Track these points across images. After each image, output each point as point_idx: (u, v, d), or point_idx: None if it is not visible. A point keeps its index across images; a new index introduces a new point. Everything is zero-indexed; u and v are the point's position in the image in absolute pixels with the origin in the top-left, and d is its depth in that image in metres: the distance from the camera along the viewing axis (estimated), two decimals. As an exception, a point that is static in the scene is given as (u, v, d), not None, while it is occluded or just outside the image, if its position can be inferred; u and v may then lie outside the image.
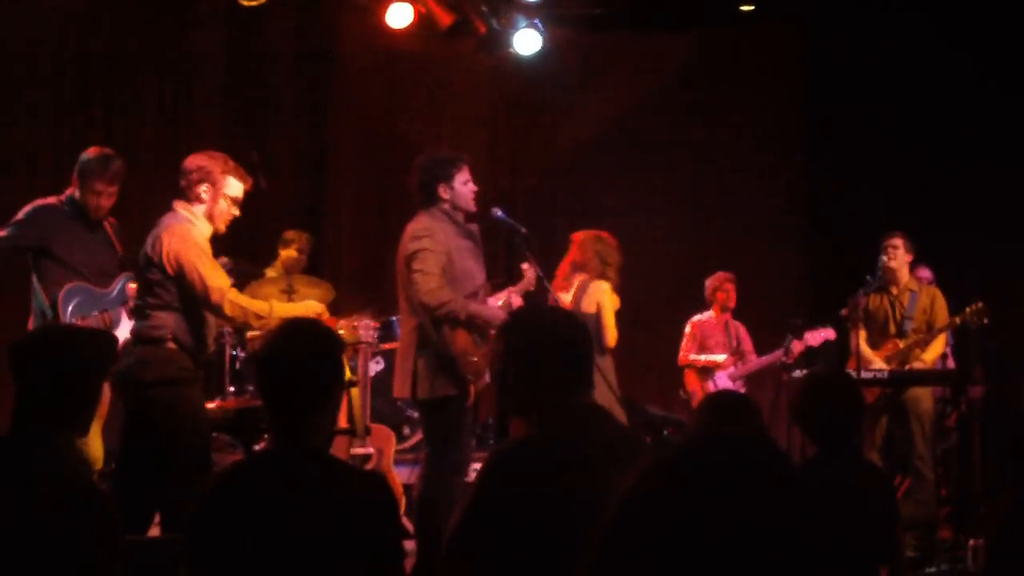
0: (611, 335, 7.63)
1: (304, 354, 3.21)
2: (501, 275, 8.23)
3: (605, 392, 7.48)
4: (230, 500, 3.12)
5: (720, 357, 9.35)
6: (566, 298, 7.72)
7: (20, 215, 6.58)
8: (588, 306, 7.60)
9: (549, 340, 3.45)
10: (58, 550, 3.06)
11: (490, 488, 3.29)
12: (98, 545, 3.13)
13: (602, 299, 7.65)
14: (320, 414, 3.22)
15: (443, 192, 6.39)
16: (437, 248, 6.22)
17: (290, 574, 3.01)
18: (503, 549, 3.20)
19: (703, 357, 9.39)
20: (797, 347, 8.68)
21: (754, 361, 9.31)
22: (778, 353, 8.88)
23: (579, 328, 3.55)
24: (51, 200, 6.62)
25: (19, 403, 3.27)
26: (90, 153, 6.68)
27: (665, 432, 8.71)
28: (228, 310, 5.69)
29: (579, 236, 8.00)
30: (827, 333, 8.71)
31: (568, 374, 3.42)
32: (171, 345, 5.65)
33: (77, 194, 6.64)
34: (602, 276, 7.77)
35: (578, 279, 7.79)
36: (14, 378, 3.30)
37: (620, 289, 7.94)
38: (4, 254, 6.59)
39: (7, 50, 9.06)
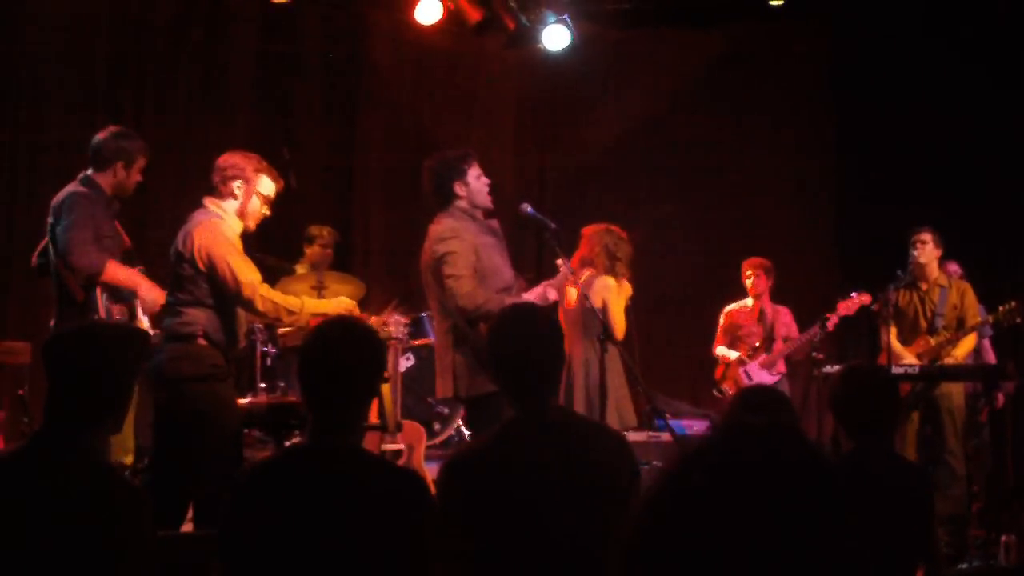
0: (619, 329, 7.58)
1: (346, 352, 3.25)
2: (530, 270, 8.23)
3: (618, 384, 7.48)
4: (263, 494, 3.13)
5: (733, 355, 9.26)
6: (573, 294, 7.72)
7: (79, 209, 6.23)
8: (595, 301, 7.58)
9: (506, 345, 3.53)
10: (92, 546, 3.07)
11: (446, 492, 3.39)
12: (132, 541, 3.14)
13: (606, 295, 7.59)
14: (359, 411, 3.26)
15: (459, 189, 6.32)
16: (464, 248, 6.16)
17: (324, 569, 3.02)
18: (466, 549, 3.26)
19: (732, 354, 9.28)
20: (831, 321, 8.61)
21: (783, 346, 9.17)
22: (807, 335, 8.83)
23: (541, 332, 3.56)
24: (82, 188, 6.37)
25: (52, 400, 3.27)
26: (117, 132, 6.54)
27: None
28: (260, 305, 5.71)
29: (588, 230, 7.94)
30: (862, 299, 8.59)
31: (523, 378, 3.46)
32: (202, 342, 5.68)
33: (106, 180, 6.42)
34: (609, 271, 7.70)
35: (585, 274, 7.76)
36: (47, 375, 3.32)
37: (649, 281, 7.89)
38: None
39: (40, 48, 9.12)
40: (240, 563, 3.09)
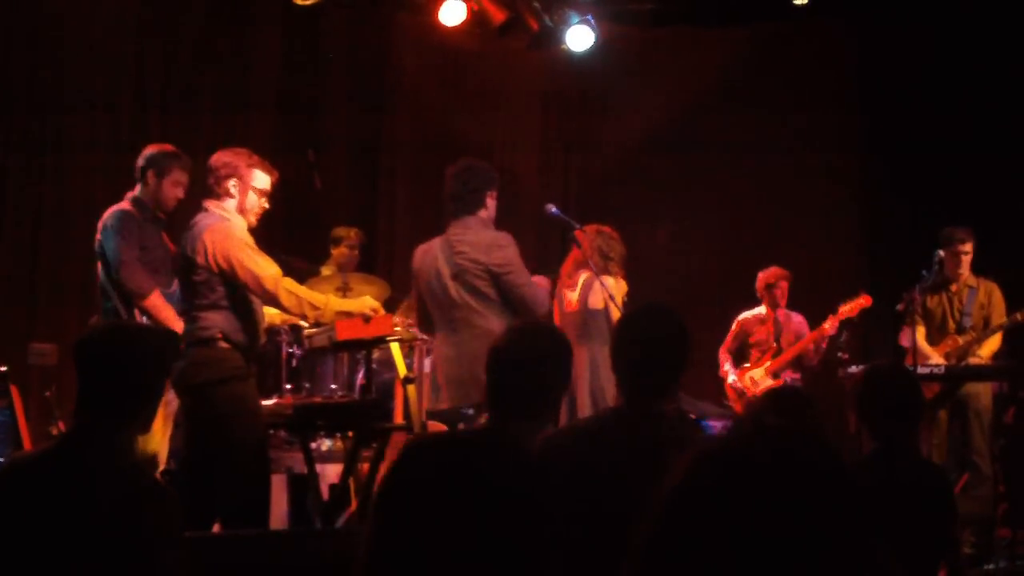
0: None
1: (538, 353, 3.40)
2: (555, 271, 8.23)
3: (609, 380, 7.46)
4: (426, 464, 3.17)
5: (731, 377, 9.28)
6: (572, 296, 7.69)
7: (122, 230, 6.48)
8: (595, 303, 7.55)
9: (619, 339, 3.54)
10: (120, 546, 3.08)
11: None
12: (160, 541, 3.16)
13: (608, 295, 7.56)
14: (542, 409, 3.40)
15: (490, 200, 6.32)
16: (519, 256, 6.21)
17: (466, 550, 3.05)
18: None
19: (731, 378, 9.31)
20: (830, 324, 8.65)
21: (788, 351, 9.16)
22: (809, 337, 8.86)
23: (651, 331, 3.55)
24: (125, 206, 6.62)
25: (82, 399, 3.29)
26: (157, 148, 6.72)
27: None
28: (284, 299, 5.71)
29: (579, 233, 7.87)
30: (862, 301, 8.63)
31: (629, 374, 3.47)
32: (223, 344, 5.70)
33: (145, 193, 6.62)
34: (604, 271, 7.66)
35: (582, 276, 7.74)
36: (77, 374, 3.33)
37: (674, 282, 7.84)
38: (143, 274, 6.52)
39: (65, 51, 9.17)
40: (389, 534, 3.11)
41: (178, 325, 6.19)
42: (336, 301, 6.00)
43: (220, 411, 5.61)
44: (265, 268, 5.70)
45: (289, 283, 5.77)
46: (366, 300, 6.10)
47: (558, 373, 3.41)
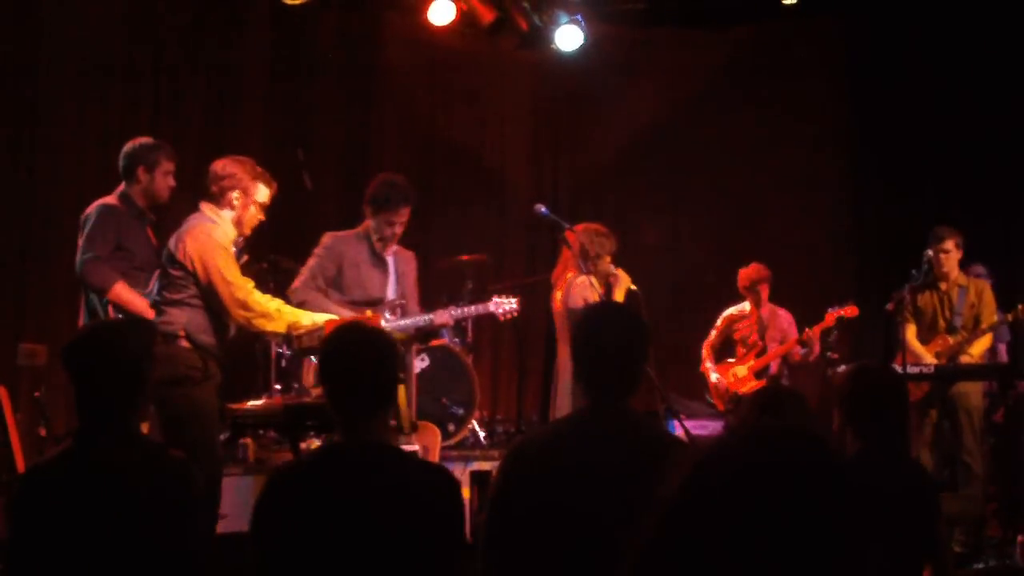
0: None
1: (360, 355, 3.36)
2: (546, 270, 8.22)
3: None
4: (297, 491, 3.23)
5: (714, 376, 9.29)
6: (559, 296, 7.69)
7: (98, 223, 6.47)
8: (574, 303, 7.55)
9: (582, 340, 3.53)
10: (162, 523, 3.29)
11: (506, 469, 3.44)
12: (192, 509, 3.39)
13: (587, 294, 7.53)
14: (380, 408, 3.36)
15: (371, 218, 6.91)
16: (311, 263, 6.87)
17: (361, 559, 3.10)
18: (519, 541, 3.27)
19: (714, 376, 9.30)
20: (814, 332, 8.68)
21: (771, 352, 9.17)
22: (793, 340, 8.88)
23: (619, 332, 3.53)
24: (112, 201, 6.60)
25: (85, 397, 3.44)
26: (139, 143, 6.69)
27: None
28: (256, 305, 5.81)
29: (570, 232, 7.83)
30: (847, 311, 8.67)
31: (594, 375, 3.45)
32: (184, 343, 5.72)
33: (136, 190, 6.60)
34: (585, 271, 7.63)
35: (568, 275, 7.75)
36: (74, 376, 3.47)
37: (666, 282, 7.76)
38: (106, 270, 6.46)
39: (56, 53, 9.14)
40: (277, 558, 3.14)
41: (149, 314, 6.17)
42: (288, 310, 6.02)
43: (167, 413, 5.59)
44: (239, 277, 5.76)
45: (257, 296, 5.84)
46: (318, 316, 6.10)
47: (394, 369, 3.41)
